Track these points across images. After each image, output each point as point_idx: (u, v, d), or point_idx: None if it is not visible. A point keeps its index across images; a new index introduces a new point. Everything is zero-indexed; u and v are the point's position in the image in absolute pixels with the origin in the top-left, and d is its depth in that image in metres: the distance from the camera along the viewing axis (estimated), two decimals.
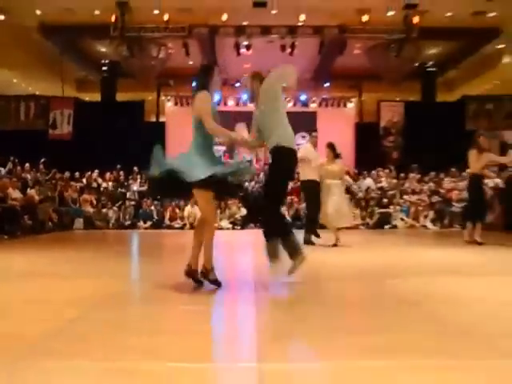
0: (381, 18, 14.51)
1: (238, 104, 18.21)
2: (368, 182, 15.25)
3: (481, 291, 4.22)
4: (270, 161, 4.49)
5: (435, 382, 2.04)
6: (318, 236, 8.30)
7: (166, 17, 14.34)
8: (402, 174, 15.69)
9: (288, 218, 12.57)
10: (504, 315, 3.26)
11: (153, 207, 13.88)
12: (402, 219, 13.70)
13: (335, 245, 7.84)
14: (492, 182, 13.10)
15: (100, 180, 15.18)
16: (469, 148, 8.21)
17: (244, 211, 13.41)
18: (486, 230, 8.65)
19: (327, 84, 18.83)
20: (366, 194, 14.68)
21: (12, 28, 14.63)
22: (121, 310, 3.49)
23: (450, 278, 4.87)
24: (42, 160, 14.40)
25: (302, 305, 3.68)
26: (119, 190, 14.94)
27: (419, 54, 16.28)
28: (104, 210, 13.79)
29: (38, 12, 14.13)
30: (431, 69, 18.30)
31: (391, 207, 13.92)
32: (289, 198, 13.36)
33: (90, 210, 13.61)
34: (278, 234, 4.32)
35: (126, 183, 15.26)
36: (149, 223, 13.58)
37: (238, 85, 16.83)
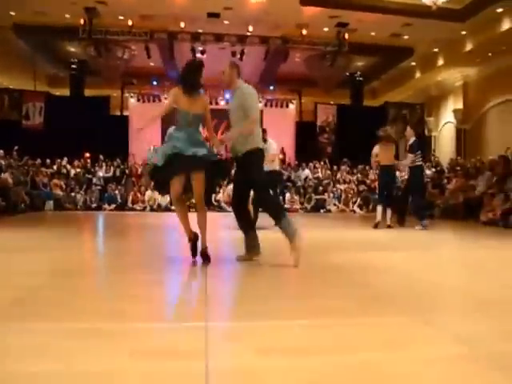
0: (318, 32, 14.68)
1: None
2: (306, 172, 15.48)
3: (391, 262, 4.41)
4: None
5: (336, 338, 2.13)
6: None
7: (129, 22, 13.96)
8: (335, 167, 16.04)
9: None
10: (407, 281, 3.42)
11: (117, 191, 13.56)
12: (335, 204, 13.99)
13: None
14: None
15: (69, 166, 14.73)
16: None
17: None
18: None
19: (272, 87, 18.89)
20: (305, 182, 14.91)
21: None
22: (84, 279, 3.42)
23: (369, 252, 5.05)
24: (16, 148, 13.80)
25: (249, 273, 3.71)
26: (86, 175, 14.53)
27: (349, 65, 16.65)
28: (72, 194, 13.37)
29: (12, 13, 13.39)
30: (359, 78, 18.67)
31: (326, 194, 14.19)
32: None
33: (60, 193, 13.15)
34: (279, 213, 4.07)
35: (92, 170, 14.87)
36: (113, 206, 13.26)
37: None
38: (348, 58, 15.82)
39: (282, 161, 16.48)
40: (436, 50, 15.76)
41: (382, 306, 2.67)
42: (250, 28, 14.30)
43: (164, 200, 13.03)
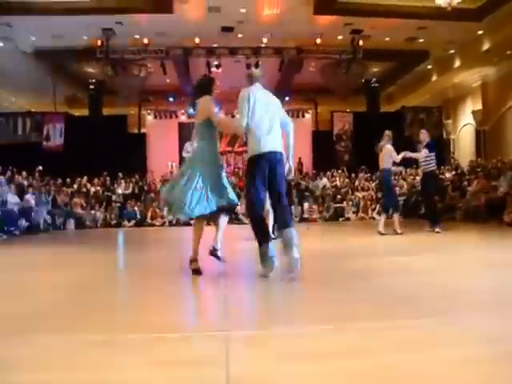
0: (332, 40, 14.68)
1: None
2: (324, 181, 15.40)
3: (411, 265, 4.33)
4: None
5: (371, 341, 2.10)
6: None
7: (145, 40, 14.27)
8: (353, 174, 15.93)
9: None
10: (429, 283, 3.37)
11: (136, 208, 13.70)
12: (354, 212, 13.87)
13: None
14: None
15: (89, 185, 14.93)
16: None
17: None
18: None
19: (287, 98, 18.92)
20: (323, 191, 14.83)
21: (10, 53, 14.26)
22: (105, 293, 3.46)
23: (387, 256, 4.98)
24: (38, 168, 14.10)
25: (268, 282, 3.69)
26: (106, 193, 14.72)
27: (364, 72, 16.58)
28: (92, 212, 13.55)
29: (33, 38, 13.81)
30: (375, 84, 18.55)
31: (344, 202, 14.08)
32: None
33: (81, 211, 13.34)
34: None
35: (111, 187, 15.05)
36: (132, 222, 13.40)
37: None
38: (363, 65, 15.77)
39: (299, 170, 16.48)
40: (452, 51, 15.58)
41: (406, 309, 2.63)
42: (264, 40, 14.44)
43: None
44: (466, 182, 12.34)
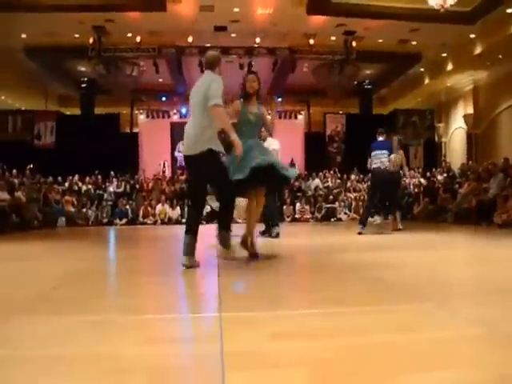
0: (325, 41, 14.79)
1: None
2: (316, 181, 15.51)
3: (404, 259, 4.41)
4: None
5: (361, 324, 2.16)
6: None
7: (138, 39, 14.25)
8: (345, 175, 16.05)
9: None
10: (421, 274, 3.44)
11: (128, 206, 13.70)
12: (346, 213, 13.97)
13: None
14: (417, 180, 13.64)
15: (80, 183, 14.91)
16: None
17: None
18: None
19: (280, 98, 19.02)
20: (315, 192, 14.92)
21: (0, 51, 14.18)
22: (102, 282, 3.49)
23: (378, 252, 5.06)
24: (29, 166, 14.05)
25: (260, 272, 3.75)
26: (97, 191, 14.70)
27: (357, 74, 16.70)
28: (84, 210, 13.53)
29: (23, 35, 13.75)
30: (367, 86, 18.70)
31: (336, 203, 14.18)
32: None
33: (72, 209, 13.31)
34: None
35: (103, 186, 15.04)
36: (124, 220, 13.39)
37: None
38: (356, 67, 15.88)
39: None
40: (445, 54, 15.75)
41: (395, 296, 2.69)
42: (258, 40, 14.51)
43: (175, 213, 13.24)
44: (457, 185, 12.49)
